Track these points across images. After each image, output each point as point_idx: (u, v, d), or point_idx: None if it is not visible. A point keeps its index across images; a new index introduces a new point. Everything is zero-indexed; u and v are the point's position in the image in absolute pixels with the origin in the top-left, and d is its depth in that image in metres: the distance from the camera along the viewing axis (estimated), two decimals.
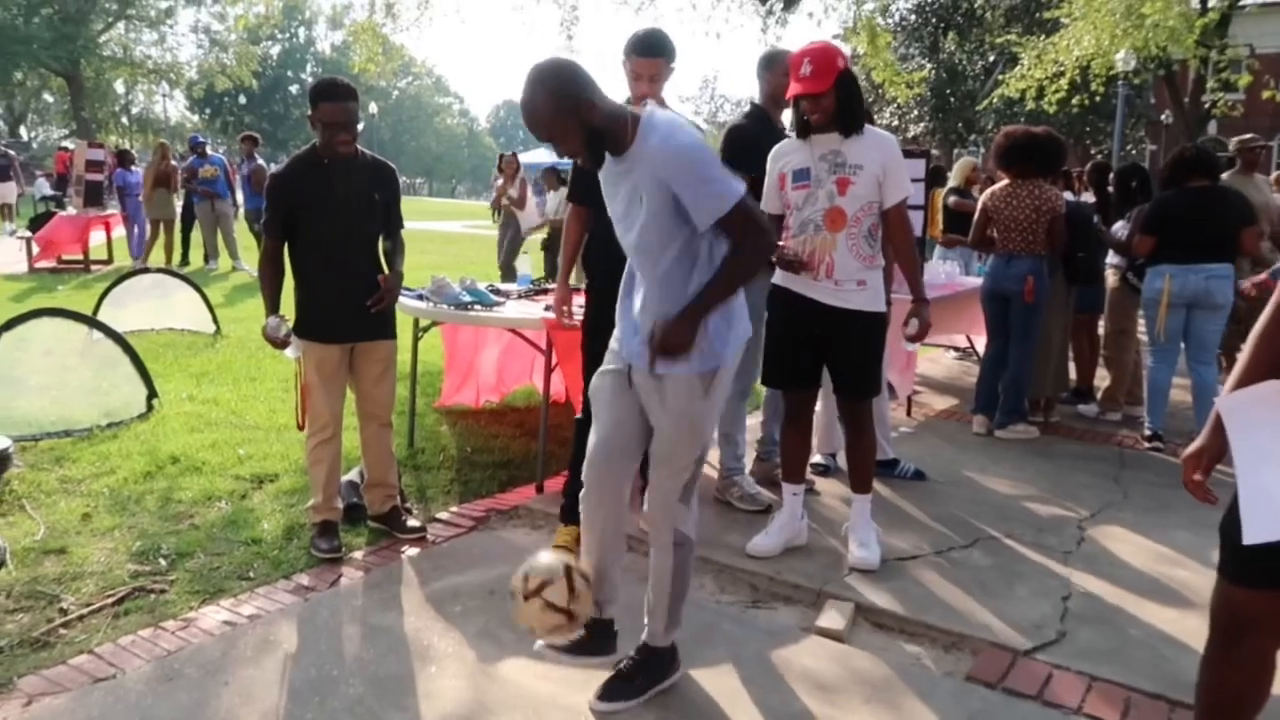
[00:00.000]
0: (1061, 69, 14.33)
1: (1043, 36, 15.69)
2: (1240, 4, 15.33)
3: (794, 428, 3.73)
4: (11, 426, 4.74)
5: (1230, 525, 1.97)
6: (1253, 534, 1.84)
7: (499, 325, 4.71)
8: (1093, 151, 26.32)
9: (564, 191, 9.33)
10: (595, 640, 2.69)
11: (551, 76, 2.34)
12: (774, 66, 4.01)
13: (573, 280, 3.92)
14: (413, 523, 3.82)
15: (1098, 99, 16.24)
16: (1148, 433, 5.55)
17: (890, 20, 22.49)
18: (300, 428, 3.67)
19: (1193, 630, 3.17)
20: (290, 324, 3.60)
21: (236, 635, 3.00)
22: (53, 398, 5.24)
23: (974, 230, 5.73)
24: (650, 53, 3.51)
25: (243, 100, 57.10)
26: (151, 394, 5.48)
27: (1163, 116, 24.92)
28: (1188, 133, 18.75)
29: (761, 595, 3.45)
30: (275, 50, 62.92)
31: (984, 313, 5.75)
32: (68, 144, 35.87)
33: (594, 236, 3.72)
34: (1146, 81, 15.67)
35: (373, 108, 56.64)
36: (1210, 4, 14.66)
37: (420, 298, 4.67)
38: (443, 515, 4.08)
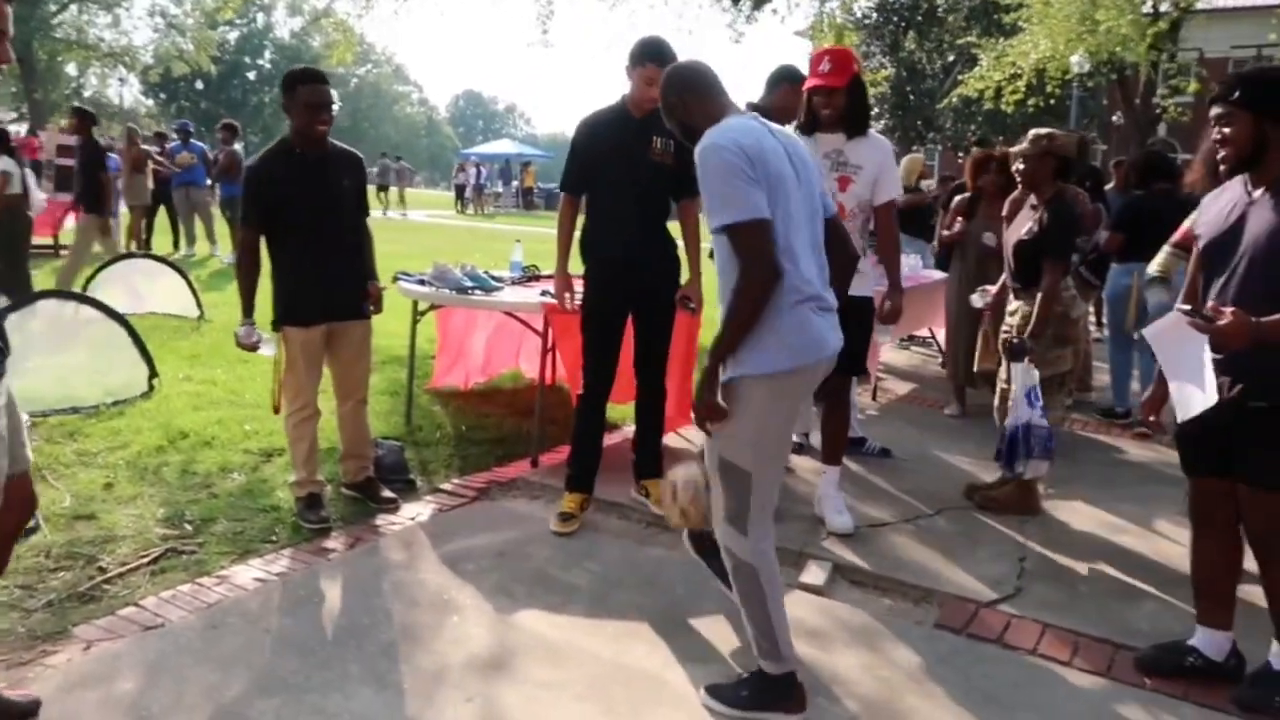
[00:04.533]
0: (1019, 71, 14.83)
1: (1001, 39, 16.20)
2: (1191, 9, 15.94)
3: None
4: (21, 404, 4.89)
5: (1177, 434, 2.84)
6: (1180, 415, 2.69)
7: (500, 309, 4.97)
8: None
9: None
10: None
11: (664, 76, 2.69)
12: (799, 82, 4.07)
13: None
14: (387, 493, 4.07)
15: (1053, 101, 16.76)
16: (1120, 410, 6.02)
17: (853, 18, 22.94)
18: (276, 411, 3.93)
19: (1135, 587, 3.55)
20: (260, 330, 3.83)
21: (271, 589, 3.25)
22: (53, 377, 5.39)
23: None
24: (665, 61, 3.65)
25: (200, 86, 56.32)
26: (153, 374, 5.66)
27: (1114, 118, 25.69)
28: (1138, 135, 19.40)
29: None
30: (233, 36, 62.07)
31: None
32: (14, 128, 35.05)
33: (590, 223, 4.00)
34: (1100, 84, 16.24)
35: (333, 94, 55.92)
36: (1162, 9, 15.25)
37: (421, 282, 4.91)
38: (446, 486, 4.34)
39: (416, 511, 4.03)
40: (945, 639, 3.13)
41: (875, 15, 29.38)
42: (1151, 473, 5.02)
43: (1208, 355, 2.56)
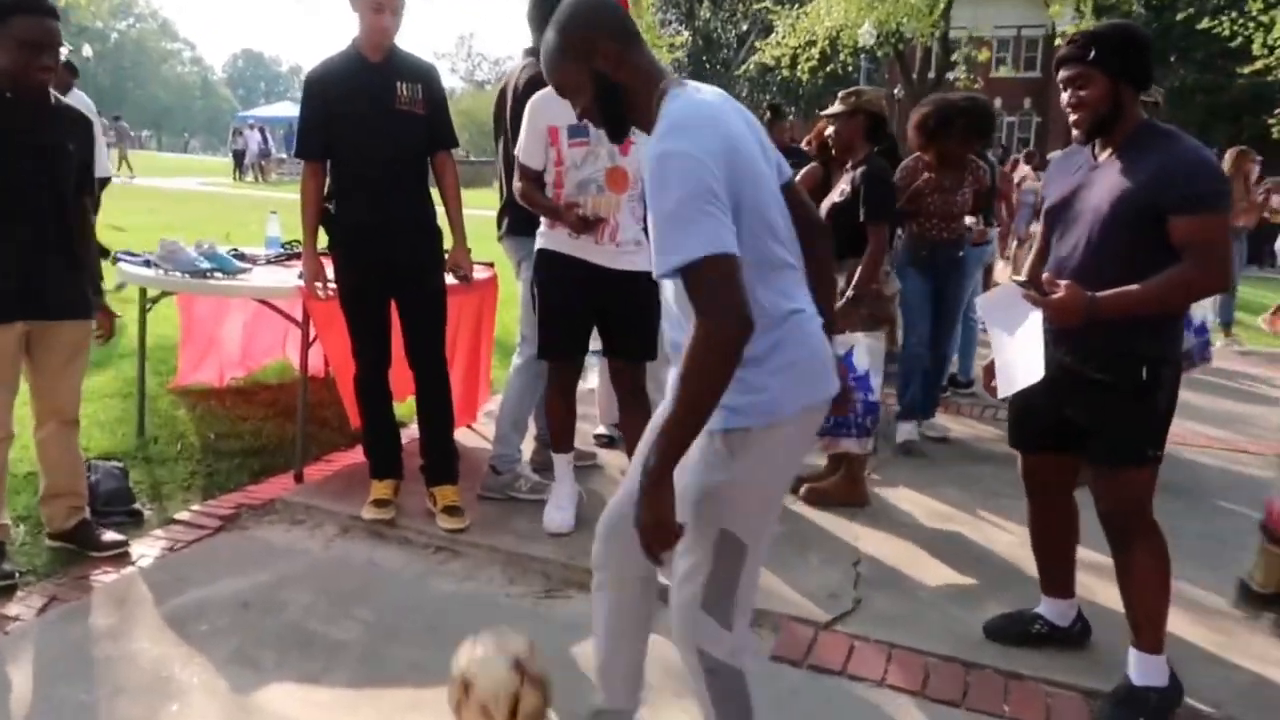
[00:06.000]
0: (813, 38, 14.93)
1: (796, 6, 16.29)
2: None
3: (565, 398, 3.55)
4: None
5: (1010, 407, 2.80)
6: (1002, 391, 2.61)
7: (245, 295, 4.15)
8: None
9: None
10: None
11: (564, 11, 1.85)
12: None
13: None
14: (110, 537, 3.21)
15: (849, 70, 17.07)
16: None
17: None
18: None
19: (973, 587, 3.25)
20: None
21: None
22: None
23: None
24: None
25: None
26: None
27: (894, 91, 26.79)
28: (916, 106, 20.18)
29: (554, 584, 3.21)
30: None
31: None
32: None
33: (334, 189, 3.45)
34: (888, 55, 16.69)
35: (87, 50, 50.87)
36: None
37: (148, 264, 4.03)
38: (182, 516, 3.53)
39: (139, 553, 3.22)
40: (785, 674, 2.69)
41: None
42: (967, 450, 4.84)
43: (1038, 329, 2.44)
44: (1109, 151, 2.51)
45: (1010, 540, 3.64)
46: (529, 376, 3.82)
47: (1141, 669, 2.55)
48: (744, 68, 21.23)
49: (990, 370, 2.79)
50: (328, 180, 3.45)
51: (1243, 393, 6.56)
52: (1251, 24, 12.40)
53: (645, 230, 3.48)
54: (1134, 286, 2.35)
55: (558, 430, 3.59)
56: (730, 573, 1.86)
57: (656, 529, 1.69)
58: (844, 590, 3.18)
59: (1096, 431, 2.54)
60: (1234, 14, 12.64)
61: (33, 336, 3.00)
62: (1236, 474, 4.65)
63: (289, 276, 4.03)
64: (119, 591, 2.96)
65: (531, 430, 4.11)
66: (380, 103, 3.33)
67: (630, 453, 3.54)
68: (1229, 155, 7.64)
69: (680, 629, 1.93)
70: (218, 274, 3.90)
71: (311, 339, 3.86)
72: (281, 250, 4.66)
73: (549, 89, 3.37)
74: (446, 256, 3.64)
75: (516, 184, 3.41)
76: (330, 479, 3.93)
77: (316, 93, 3.38)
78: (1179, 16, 15.02)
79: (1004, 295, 2.59)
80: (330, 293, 3.51)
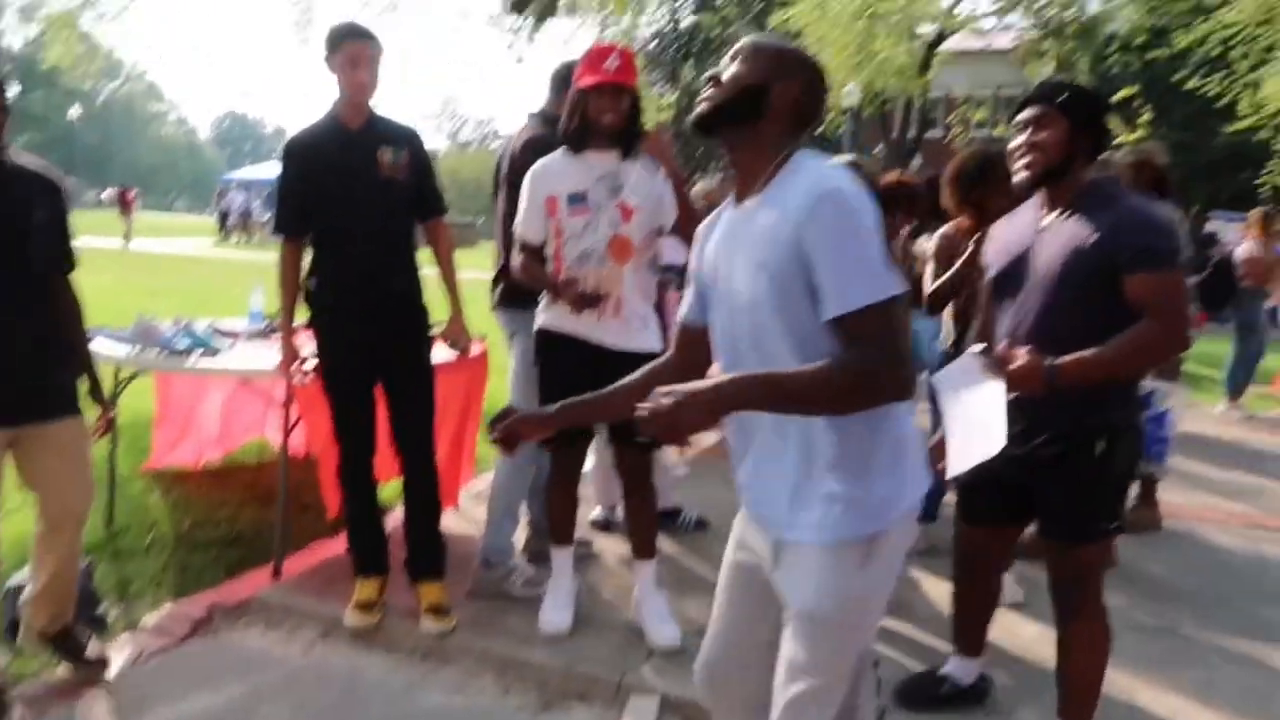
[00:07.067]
0: None
1: None
2: (938, 49, 16.89)
3: (567, 488, 3.35)
4: None
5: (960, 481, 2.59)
6: (954, 469, 2.39)
7: (226, 376, 3.94)
8: None
9: None
10: None
11: (789, 52, 1.78)
12: None
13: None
14: (94, 653, 2.90)
15: (837, 128, 17.17)
16: None
17: (635, 43, 22.78)
18: None
19: (999, 688, 3.02)
20: None
21: None
22: None
23: None
24: (363, 36, 3.15)
25: None
26: None
27: (875, 150, 27.04)
28: (898, 165, 20.43)
29: (552, 694, 2.96)
30: None
31: None
32: None
33: (314, 265, 3.29)
34: (879, 112, 16.80)
35: (75, 110, 51.18)
36: (918, 42, 15.99)
37: (120, 340, 3.81)
38: (150, 620, 3.27)
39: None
40: None
41: (653, 44, 29.58)
42: None
43: (1000, 400, 2.30)
44: (1056, 211, 2.43)
45: (1032, 633, 3.41)
46: (520, 458, 3.60)
47: None
48: None
49: (939, 449, 2.53)
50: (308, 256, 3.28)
51: (1252, 462, 6.38)
52: (1239, 84, 12.46)
53: (655, 307, 3.33)
54: (1093, 350, 2.27)
55: (559, 521, 3.35)
56: (858, 689, 1.79)
57: (672, 431, 1.54)
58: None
59: (1050, 506, 2.49)
60: (1222, 73, 12.70)
61: (18, 443, 2.69)
62: (1269, 554, 4.43)
63: (271, 354, 3.82)
64: (79, 714, 2.69)
65: (524, 515, 3.88)
66: (362, 172, 3.17)
67: (633, 542, 3.31)
68: (1253, 216, 7.38)
69: None
70: (196, 352, 3.68)
71: (294, 421, 3.64)
72: (264, 324, 4.45)
73: (547, 158, 3.23)
74: (438, 330, 3.45)
75: (516, 258, 3.24)
76: (311, 573, 3.68)
77: (293, 166, 3.22)
78: (1172, 78, 15.06)
79: (961, 366, 2.48)
80: (308, 378, 3.31)
